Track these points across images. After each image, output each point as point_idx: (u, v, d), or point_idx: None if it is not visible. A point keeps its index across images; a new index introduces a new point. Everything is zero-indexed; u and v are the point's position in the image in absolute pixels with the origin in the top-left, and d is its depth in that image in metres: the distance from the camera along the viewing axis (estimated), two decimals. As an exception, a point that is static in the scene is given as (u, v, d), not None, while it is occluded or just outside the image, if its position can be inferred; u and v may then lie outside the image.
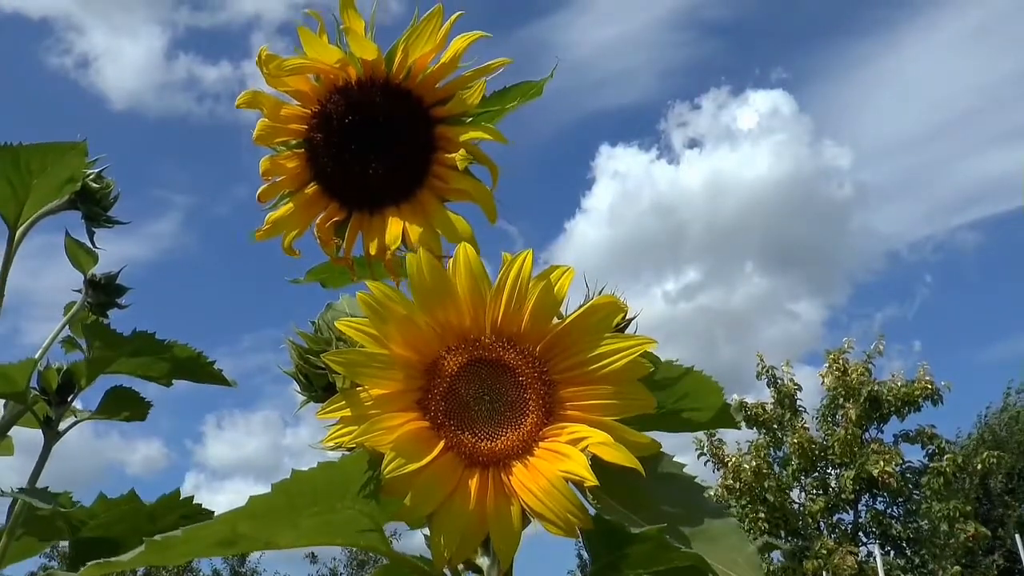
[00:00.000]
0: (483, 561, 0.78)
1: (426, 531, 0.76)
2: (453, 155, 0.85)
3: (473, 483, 0.69)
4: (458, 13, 0.81)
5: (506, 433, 0.70)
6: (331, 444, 0.68)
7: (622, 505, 0.71)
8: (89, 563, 0.63)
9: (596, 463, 0.67)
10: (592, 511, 0.69)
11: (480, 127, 0.85)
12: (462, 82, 0.83)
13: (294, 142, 0.86)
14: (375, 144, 0.85)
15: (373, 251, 0.86)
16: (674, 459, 0.78)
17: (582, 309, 0.71)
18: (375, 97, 0.83)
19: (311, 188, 0.88)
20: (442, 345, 0.70)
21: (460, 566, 0.78)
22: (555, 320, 0.71)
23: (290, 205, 0.88)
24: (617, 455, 0.68)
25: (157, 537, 0.63)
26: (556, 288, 0.70)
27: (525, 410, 0.71)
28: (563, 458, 0.68)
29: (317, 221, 0.88)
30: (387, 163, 0.85)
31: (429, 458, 0.68)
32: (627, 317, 0.82)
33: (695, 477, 0.77)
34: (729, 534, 0.72)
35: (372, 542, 0.72)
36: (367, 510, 0.69)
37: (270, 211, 0.88)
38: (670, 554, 0.69)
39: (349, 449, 0.71)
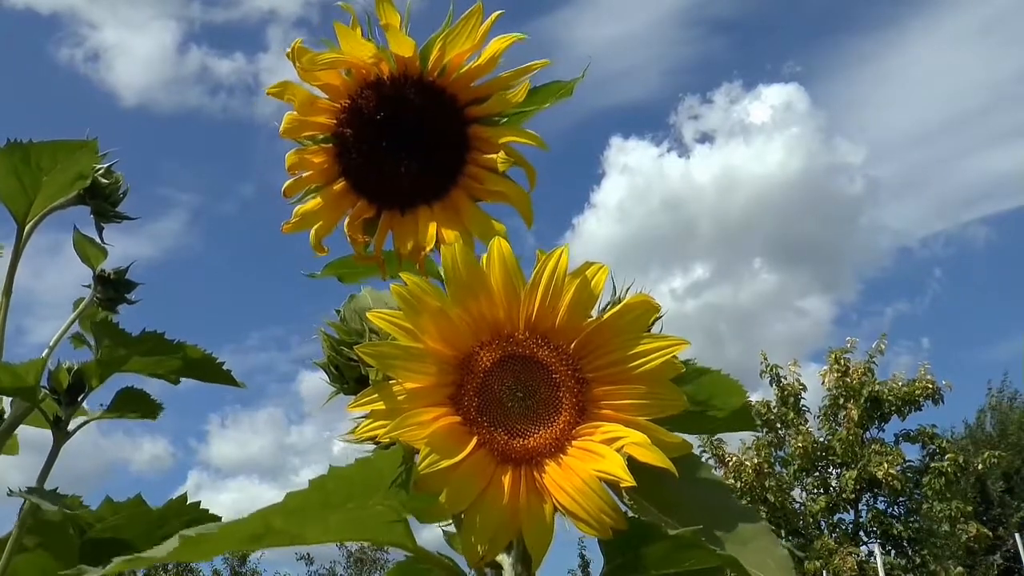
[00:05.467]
0: (503, 558, 0.77)
1: (446, 527, 0.76)
2: (490, 156, 0.85)
3: (506, 480, 0.68)
4: (498, 12, 0.80)
5: (539, 431, 0.70)
6: (363, 437, 0.67)
7: (654, 506, 0.71)
8: (116, 559, 0.62)
9: (628, 462, 0.67)
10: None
11: (521, 131, 0.85)
12: (500, 82, 0.83)
13: (321, 136, 0.85)
14: (407, 141, 0.84)
15: (406, 251, 0.86)
16: (702, 460, 0.78)
17: (617, 308, 0.70)
18: (408, 93, 0.83)
19: (339, 184, 0.87)
20: (475, 340, 0.70)
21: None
22: (589, 318, 0.70)
23: (318, 200, 0.87)
24: (652, 456, 0.67)
25: (190, 532, 0.61)
26: (592, 285, 0.69)
27: (558, 408, 0.70)
28: (598, 457, 0.67)
29: (347, 219, 0.87)
30: (420, 161, 0.85)
31: (463, 455, 0.67)
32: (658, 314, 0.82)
33: (723, 479, 0.77)
34: (759, 536, 0.71)
35: (399, 537, 0.71)
36: (396, 505, 0.68)
37: (296, 205, 0.87)
38: (688, 555, 0.68)
39: (376, 443, 0.70)
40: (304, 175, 0.87)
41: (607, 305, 0.78)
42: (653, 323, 0.82)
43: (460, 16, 0.80)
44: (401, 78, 0.83)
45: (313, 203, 0.87)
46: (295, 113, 0.83)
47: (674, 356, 0.70)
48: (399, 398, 0.68)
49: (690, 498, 0.72)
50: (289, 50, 0.80)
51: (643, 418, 0.69)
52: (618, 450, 0.67)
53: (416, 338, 0.68)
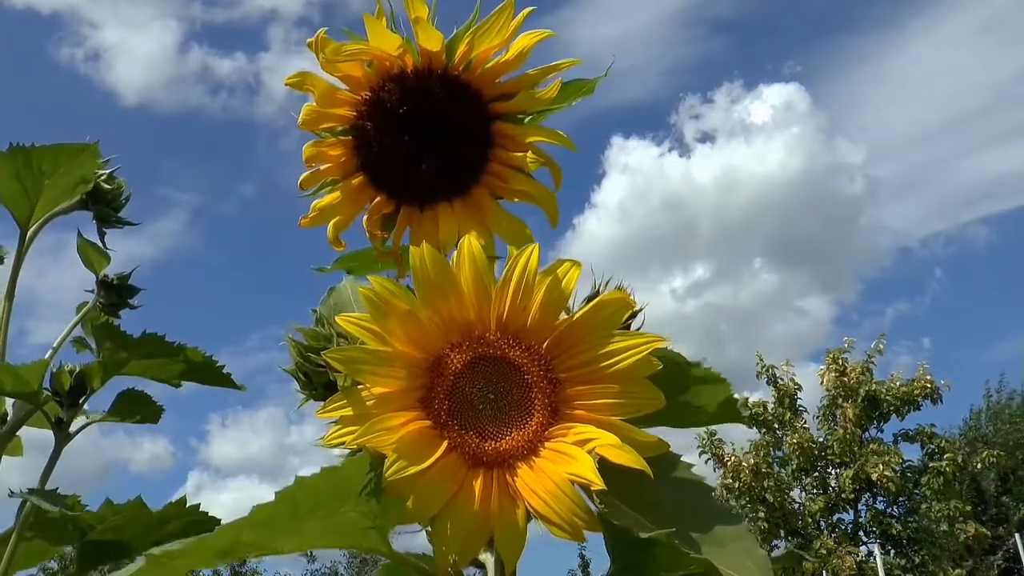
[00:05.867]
0: (487, 558, 0.76)
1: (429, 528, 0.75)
2: (515, 154, 0.83)
3: (477, 484, 0.67)
4: (530, 8, 0.78)
5: (511, 433, 0.68)
6: (331, 444, 0.67)
7: (630, 507, 0.69)
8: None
9: (603, 463, 0.66)
10: (598, 513, 0.67)
11: (549, 130, 0.83)
12: (528, 79, 0.81)
13: (339, 129, 0.84)
14: (429, 136, 0.82)
15: None
16: (682, 459, 0.76)
17: (590, 305, 0.69)
18: (432, 87, 0.81)
19: (357, 178, 0.86)
20: (446, 342, 0.69)
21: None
22: (562, 316, 0.69)
23: (337, 194, 0.86)
24: (625, 457, 0.65)
25: (156, 551, 0.61)
26: (564, 282, 0.68)
27: (531, 409, 0.69)
28: (569, 460, 0.66)
29: (366, 214, 0.86)
30: (442, 157, 0.83)
31: (432, 459, 0.66)
32: (633, 311, 0.80)
33: (703, 478, 0.75)
34: (739, 538, 0.70)
35: (374, 543, 0.71)
36: (369, 512, 0.68)
37: (311, 199, 0.86)
38: (687, 560, 0.67)
39: (352, 449, 0.70)
40: (321, 168, 0.85)
41: (584, 301, 0.76)
42: (631, 319, 0.80)
43: (488, 10, 0.78)
44: (425, 71, 0.81)
45: (331, 197, 0.86)
46: (314, 104, 0.82)
47: (649, 353, 0.69)
48: (367, 403, 0.67)
49: (667, 498, 0.71)
50: (312, 40, 0.78)
51: (617, 418, 0.68)
52: (590, 452, 0.66)
53: (384, 341, 0.67)
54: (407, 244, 0.88)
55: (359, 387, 0.67)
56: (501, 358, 0.69)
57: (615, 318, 0.69)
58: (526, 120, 0.85)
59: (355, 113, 0.83)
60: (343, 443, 0.66)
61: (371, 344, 0.67)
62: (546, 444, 0.68)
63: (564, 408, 0.69)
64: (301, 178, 0.85)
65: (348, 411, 0.67)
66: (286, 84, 0.81)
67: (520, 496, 0.66)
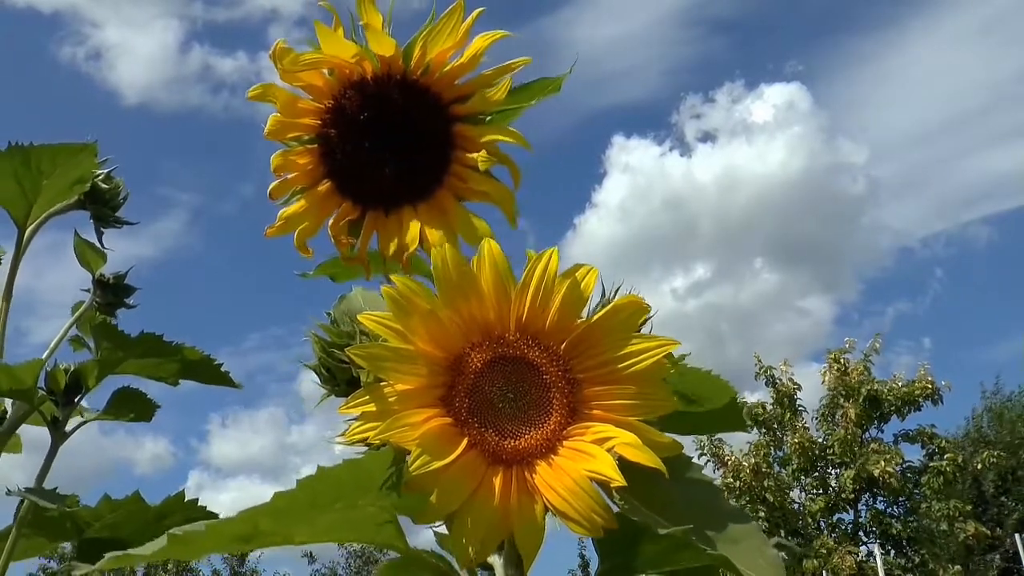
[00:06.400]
0: (495, 560, 0.77)
1: (437, 528, 0.76)
2: (474, 155, 0.84)
3: (497, 481, 0.68)
4: (479, 10, 0.80)
5: (530, 431, 0.70)
6: (354, 439, 0.68)
7: (644, 506, 0.71)
8: (108, 555, 0.63)
9: (618, 463, 0.67)
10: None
11: (504, 129, 0.84)
12: (483, 80, 0.83)
13: (306, 137, 0.85)
14: (391, 141, 0.84)
15: (390, 252, 0.86)
16: (693, 461, 0.78)
17: (608, 308, 0.70)
18: (392, 93, 0.82)
19: (324, 185, 0.87)
20: (466, 341, 0.70)
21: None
22: (579, 319, 0.71)
23: (303, 202, 0.87)
24: (643, 456, 0.67)
25: (177, 531, 0.62)
26: (582, 285, 0.69)
27: (549, 408, 0.70)
28: (588, 458, 0.68)
29: (331, 220, 0.87)
30: (404, 161, 0.84)
31: (454, 455, 0.67)
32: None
33: (713, 480, 0.77)
34: (750, 536, 0.71)
35: (389, 538, 0.72)
36: (388, 506, 0.69)
37: (282, 207, 0.87)
38: (683, 555, 0.69)
39: (367, 444, 0.71)
40: (289, 176, 0.86)
41: (596, 306, 0.78)
42: (643, 324, 0.82)
43: (442, 14, 0.80)
44: (384, 77, 0.82)
45: (297, 206, 0.87)
46: (278, 115, 0.83)
47: (664, 357, 0.71)
48: (390, 400, 0.68)
49: (681, 498, 0.72)
50: (271, 51, 0.80)
51: (633, 418, 0.70)
52: (609, 450, 0.67)
53: (406, 340, 0.68)
54: (374, 249, 0.89)
55: (381, 383, 0.69)
56: (520, 358, 0.71)
57: (632, 321, 0.71)
58: (487, 120, 0.86)
59: (319, 121, 0.84)
60: (366, 438, 0.67)
61: (393, 342, 0.68)
62: (565, 443, 0.69)
63: (582, 408, 0.70)
64: (270, 188, 0.86)
65: (371, 407, 0.68)
66: (249, 98, 0.82)
67: (539, 492, 0.68)
